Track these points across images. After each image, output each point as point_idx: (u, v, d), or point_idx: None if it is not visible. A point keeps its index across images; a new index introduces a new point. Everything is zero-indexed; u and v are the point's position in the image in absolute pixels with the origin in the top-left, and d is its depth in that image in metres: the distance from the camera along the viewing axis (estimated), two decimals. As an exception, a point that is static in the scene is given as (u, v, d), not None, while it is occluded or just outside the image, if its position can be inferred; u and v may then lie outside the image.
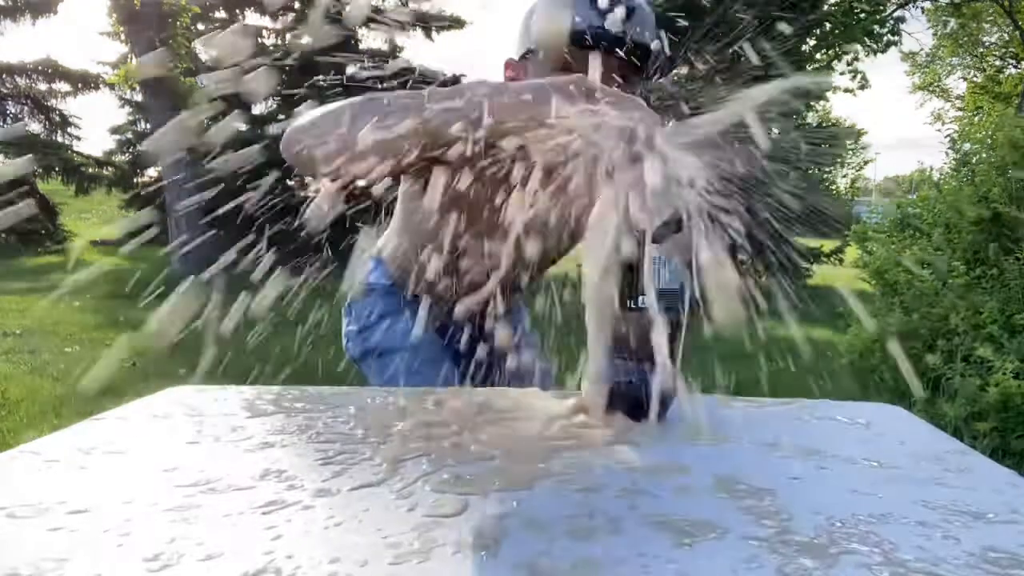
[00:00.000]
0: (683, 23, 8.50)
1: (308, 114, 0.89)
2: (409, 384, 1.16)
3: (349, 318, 1.37)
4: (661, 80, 1.03)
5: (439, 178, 0.96)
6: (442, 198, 0.98)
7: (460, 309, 1.21)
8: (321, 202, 0.79)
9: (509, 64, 1.06)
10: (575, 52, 0.94)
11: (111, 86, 11.25)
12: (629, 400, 0.71)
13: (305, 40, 11.14)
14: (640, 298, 0.69)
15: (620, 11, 0.94)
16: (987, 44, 21.29)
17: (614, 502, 0.52)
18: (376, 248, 1.38)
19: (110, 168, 14.27)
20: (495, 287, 1.15)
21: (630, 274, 0.69)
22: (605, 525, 0.47)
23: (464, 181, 0.96)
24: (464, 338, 1.28)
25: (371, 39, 12.31)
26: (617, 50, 0.94)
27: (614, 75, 0.94)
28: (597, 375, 0.73)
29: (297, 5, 11.85)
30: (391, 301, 1.32)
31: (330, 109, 0.86)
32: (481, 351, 1.33)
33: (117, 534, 0.45)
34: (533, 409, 0.78)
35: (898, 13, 17.81)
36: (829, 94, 9.92)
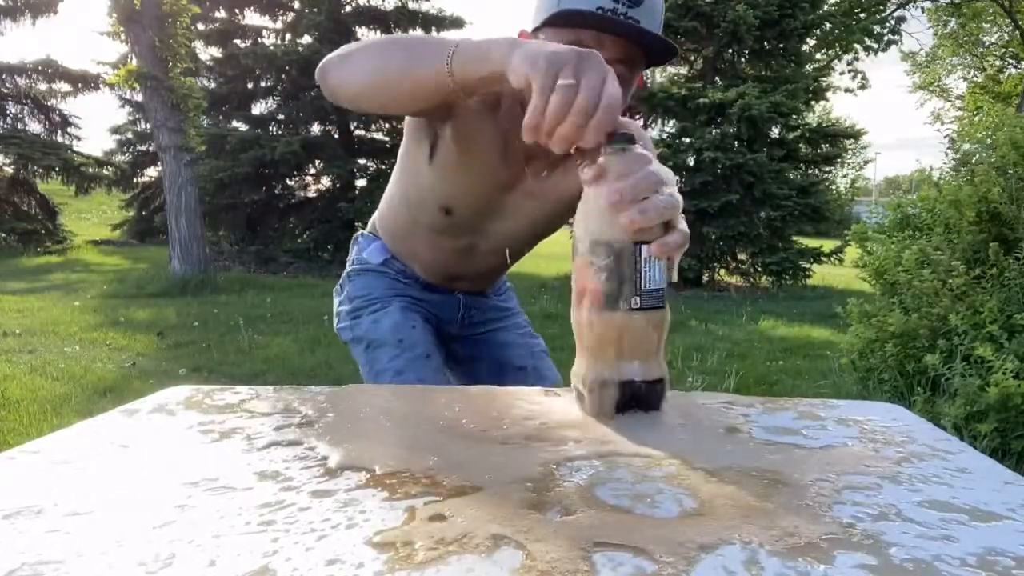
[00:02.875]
0: (686, 24, 8.47)
1: (343, 48, 0.95)
2: (395, 382, 1.18)
3: (341, 297, 1.36)
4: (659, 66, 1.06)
5: (446, 127, 1.03)
6: (448, 151, 1.06)
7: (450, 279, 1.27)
8: None
9: (523, 34, 1.06)
10: (586, 34, 0.94)
11: (111, 86, 11.25)
12: (626, 396, 0.72)
13: (305, 40, 11.15)
14: (634, 299, 0.70)
15: None
16: (987, 44, 21.30)
17: (613, 503, 0.52)
18: (370, 223, 1.39)
19: (110, 168, 14.28)
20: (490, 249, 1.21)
21: (622, 277, 0.70)
22: (604, 526, 0.47)
23: (475, 134, 1.03)
24: (454, 308, 1.34)
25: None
26: (625, 35, 0.95)
27: (617, 54, 0.94)
28: (592, 374, 0.73)
29: (297, 5, 11.87)
30: (382, 284, 1.31)
31: (362, 44, 0.93)
32: (469, 330, 1.38)
33: (115, 535, 0.45)
34: (536, 408, 0.78)
35: (898, 13, 17.86)
36: (829, 94, 9.90)
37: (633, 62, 0.98)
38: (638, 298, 0.70)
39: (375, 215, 1.37)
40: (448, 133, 1.06)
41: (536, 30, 1.02)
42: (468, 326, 1.39)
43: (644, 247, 0.70)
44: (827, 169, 10.43)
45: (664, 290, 0.72)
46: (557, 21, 0.96)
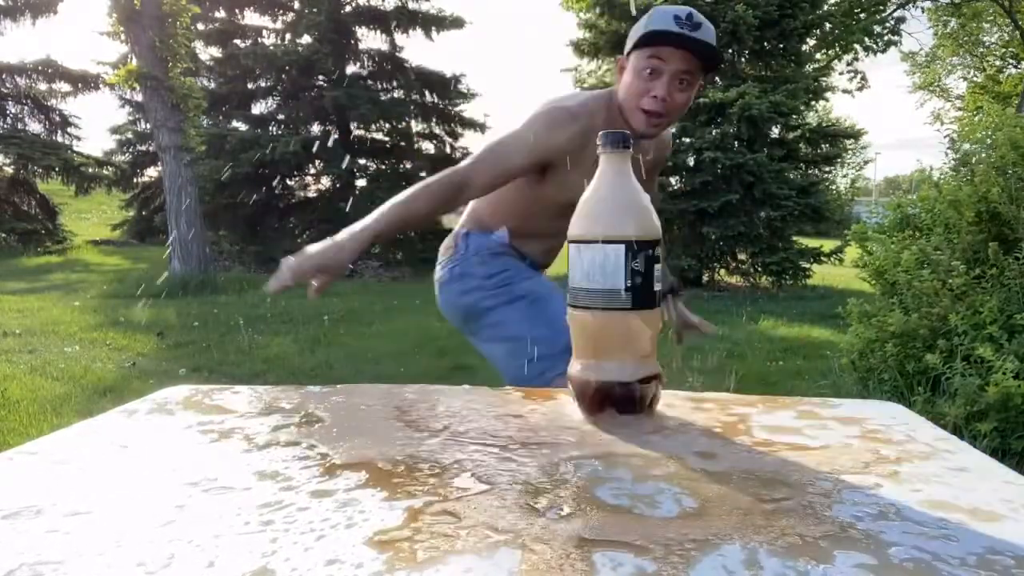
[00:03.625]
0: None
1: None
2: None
3: (477, 274, 1.61)
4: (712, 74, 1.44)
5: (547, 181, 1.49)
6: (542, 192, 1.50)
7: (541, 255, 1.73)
8: (282, 277, 1.22)
9: (619, 60, 1.48)
10: (663, 50, 1.38)
11: (111, 86, 11.25)
12: (618, 396, 0.72)
13: (305, 40, 11.14)
14: (567, 295, 0.75)
15: (696, 22, 1.38)
16: (987, 44, 21.31)
17: (612, 502, 0.51)
18: (474, 223, 1.67)
19: (110, 168, 14.28)
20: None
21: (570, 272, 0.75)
22: (604, 526, 0.47)
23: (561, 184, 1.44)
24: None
25: (371, 39, 12.33)
26: (691, 49, 1.36)
27: (684, 66, 1.38)
28: (583, 373, 0.74)
29: (297, 5, 11.86)
30: (513, 262, 1.63)
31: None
32: None
33: (114, 536, 0.45)
34: (536, 408, 0.78)
35: (898, 13, 17.86)
36: (828, 94, 9.89)
37: (693, 72, 1.40)
38: (569, 295, 0.75)
39: (480, 217, 1.65)
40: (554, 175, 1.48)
41: (629, 53, 1.43)
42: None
43: (574, 245, 0.74)
44: (827, 169, 10.42)
45: (607, 292, 0.71)
46: (645, 41, 1.38)
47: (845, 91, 18.30)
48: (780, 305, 7.05)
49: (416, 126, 12.17)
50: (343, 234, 1.35)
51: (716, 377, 3.63)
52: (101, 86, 13.42)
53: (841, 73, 18.05)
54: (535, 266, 1.69)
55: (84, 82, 13.36)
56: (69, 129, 13.89)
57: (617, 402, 0.72)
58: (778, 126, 8.91)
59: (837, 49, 17.10)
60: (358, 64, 12.20)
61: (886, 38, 17.75)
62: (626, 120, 1.44)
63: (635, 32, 1.42)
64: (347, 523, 0.47)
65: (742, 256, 8.85)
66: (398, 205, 1.38)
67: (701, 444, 0.66)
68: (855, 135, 10.38)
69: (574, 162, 1.41)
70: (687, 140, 8.47)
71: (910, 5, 18.17)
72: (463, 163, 1.45)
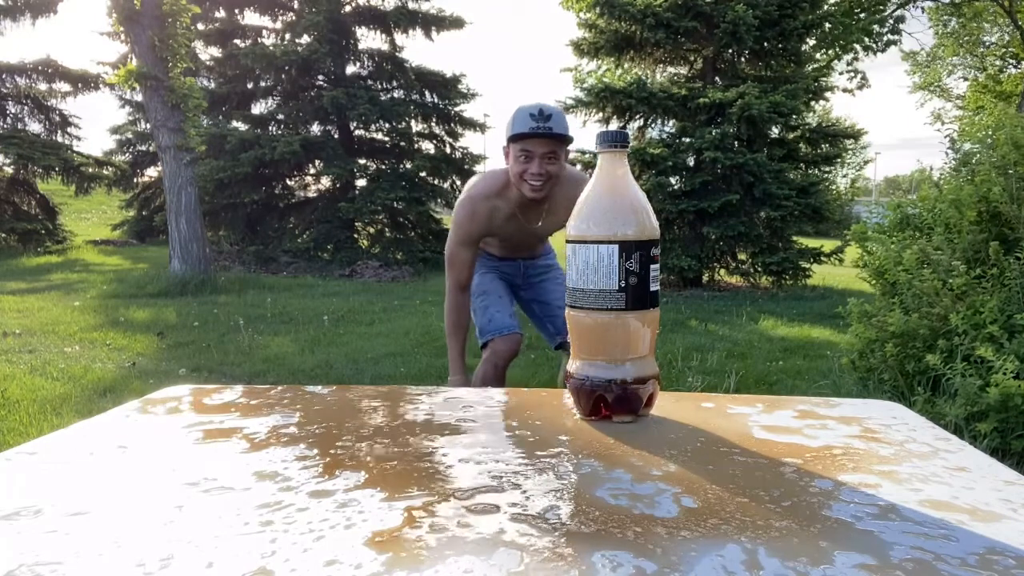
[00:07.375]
0: (686, 24, 8.46)
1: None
2: (492, 293, 2.29)
3: None
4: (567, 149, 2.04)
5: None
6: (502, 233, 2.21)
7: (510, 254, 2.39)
8: None
9: (504, 148, 2.01)
10: (528, 142, 1.92)
11: (111, 86, 11.24)
12: (615, 397, 0.72)
13: (304, 40, 11.13)
14: (566, 296, 0.76)
15: (546, 115, 1.90)
16: (987, 44, 21.31)
17: (610, 502, 0.51)
18: None
19: (110, 168, 14.28)
20: (534, 244, 2.36)
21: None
22: (603, 525, 0.47)
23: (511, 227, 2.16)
24: (518, 268, 2.41)
25: (370, 39, 12.32)
26: (546, 137, 1.92)
27: (546, 149, 1.93)
28: (580, 373, 0.74)
29: (296, 5, 11.86)
30: (481, 261, 2.33)
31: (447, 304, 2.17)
32: (527, 280, 2.44)
33: (113, 536, 0.45)
34: (533, 409, 0.78)
35: (898, 13, 17.84)
36: (828, 94, 9.86)
37: (555, 150, 1.95)
38: (567, 295, 0.76)
39: None
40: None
41: (506, 146, 1.99)
42: (526, 278, 2.39)
43: (570, 245, 0.74)
44: (827, 169, 10.40)
45: (602, 292, 0.72)
46: (514, 139, 1.93)
47: (845, 91, 18.27)
48: (780, 305, 7.05)
49: (416, 126, 12.17)
50: (456, 376, 2.08)
51: (716, 377, 3.63)
52: (101, 86, 13.41)
53: (841, 73, 18.01)
54: (495, 258, 2.36)
55: (84, 82, 13.35)
56: (69, 129, 13.89)
57: (614, 402, 0.72)
58: (778, 126, 8.90)
59: (837, 49, 17.08)
60: (358, 64, 12.20)
61: (886, 38, 17.73)
62: (518, 189, 1.98)
63: (507, 130, 1.95)
64: (346, 523, 0.47)
65: (742, 256, 8.84)
66: (452, 328, 2.09)
67: (701, 444, 0.66)
68: (855, 135, 10.36)
69: (492, 230, 2.12)
70: (687, 140, 8.46)
71: (910, 5, 18.15)
72: (447, 278, 2.10)
